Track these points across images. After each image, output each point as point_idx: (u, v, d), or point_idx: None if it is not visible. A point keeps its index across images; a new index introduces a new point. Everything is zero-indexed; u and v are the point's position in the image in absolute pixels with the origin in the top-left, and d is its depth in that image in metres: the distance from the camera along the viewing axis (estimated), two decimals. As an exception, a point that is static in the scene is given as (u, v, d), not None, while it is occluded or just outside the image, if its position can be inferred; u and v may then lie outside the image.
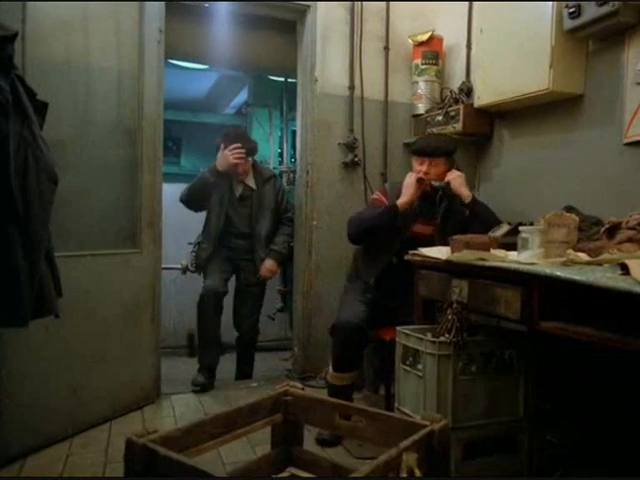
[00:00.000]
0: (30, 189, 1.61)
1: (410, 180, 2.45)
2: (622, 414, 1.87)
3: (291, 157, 5.31)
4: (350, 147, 3.20)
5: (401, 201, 2.41)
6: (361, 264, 2.58)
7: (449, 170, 2.50)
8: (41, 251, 1.67)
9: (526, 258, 1.72)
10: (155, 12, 2.68)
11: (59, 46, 2.28)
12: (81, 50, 2.37)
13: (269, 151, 5.54)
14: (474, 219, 2.45)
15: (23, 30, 1.99)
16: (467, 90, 2.93)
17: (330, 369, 2.47)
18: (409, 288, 2.25)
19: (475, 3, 2.96)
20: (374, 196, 2.70)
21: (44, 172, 1.65)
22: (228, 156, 3.09)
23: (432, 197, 2.53)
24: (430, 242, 2.36)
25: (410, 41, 3.21)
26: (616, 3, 1.97)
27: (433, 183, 2.48)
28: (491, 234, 2.18)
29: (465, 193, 2.45)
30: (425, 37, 3.12)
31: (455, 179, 2.47)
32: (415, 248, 2.20)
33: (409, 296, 2.27)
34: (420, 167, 2.51)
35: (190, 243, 3.31)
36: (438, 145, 2.53)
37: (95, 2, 2.40)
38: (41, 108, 1.74)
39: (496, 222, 2.35)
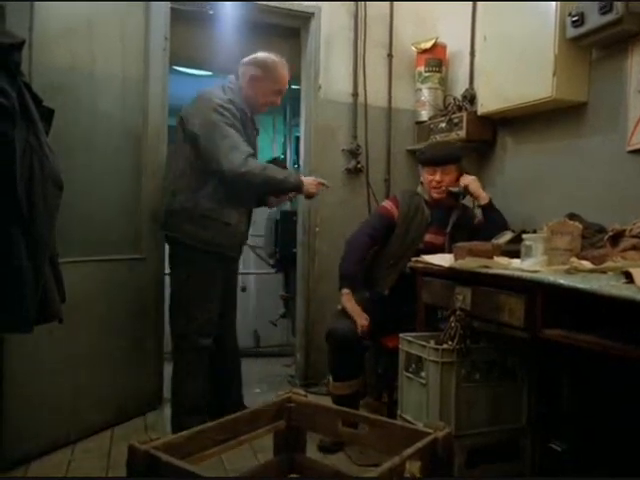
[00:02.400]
0: (35, 193, 1.61)
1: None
2: (624, 421, 1.86)
3: (294, 163, 5.32)
4: (353, 153, 3.21)
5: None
6: (373, 275, 2.56)
7: (460, 176, 2.52)
8: (45, 254, 1.68)
9: (529, 266, 1.73)
10: (160, 20, 2.70)
11: (65, 53, 2.29)
12: (87, 57, 2.39)
13: (272, 156, 5.55)
14: (486, 222, 2.47)
15: (30, 38, 2.01)
16: (470, 97, 2.94)
17: (330, 379, 2.47)
18: (417, 297, 2.25)
19: (478, 11, 2.97)
20: (384, 204, 2.66)
21: (49, 178, 1.66)
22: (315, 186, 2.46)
23: (446, 205, 2.54)
24: (441, 252, 2.35)
25: (413, 48, 3.23)
26: (620, 11, 1.98)
27: (451, 189, 2.49)
28: (494, 241, 2.18)
29: (482, 195, 2.49)
30: (428, 44, 3.14)
31: (472, 182, 2.49)
32: None
33: (415, 305, 2.27)
34: (432, 177, 2.51)
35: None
36: (447, 153, 2.55)
37: (101, 10, 2.42)
38: (47, 115, 1.76)
39: (508, 229, 2.36)
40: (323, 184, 2.50)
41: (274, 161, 2.54)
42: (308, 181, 2.44)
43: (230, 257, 2.44)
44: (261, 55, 2.41)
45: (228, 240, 2.35)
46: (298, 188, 2.40)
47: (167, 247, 2.49)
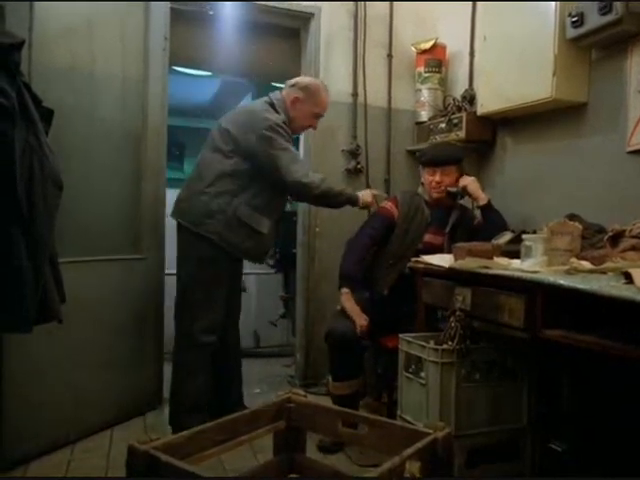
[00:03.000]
0: (35, 193, 1.62)
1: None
2: (624, 421, 1.86)
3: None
4: (353, 154, 3.21)
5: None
6: (373, 275, 2.55)
7: (460, 177, 2.53)
8: (45, 254, 1.68)
9: (529, 266, 1.72)
10: (160, 19, 2.70)
11: (65, 53, 2.29)
12: (86, 57, 2.39)
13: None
14: (485, 223, 2.48)
15: (30, 38, 2.01)
16: (470, 98, 2.94)
17: (330, 379, 2.47)
18: (416, 297, 2.25)
19: (478, 11, 2.97)
20: (384, 204, 2.65)
21: (49, 178, 1.66)
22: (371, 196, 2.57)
23: (446, 205, 2.55)
24: (440, 252, 2.35)
25: (413, 49, 3.23)
26: (619, 12, 1.98)
27: (449, 189, 2.50)
28: (494, 242, 2.18)
29: (481, 196, 2.50)
30: (428, 45, 3.14)
31: (471, 183, 2.50)
32: None
33: (415, 305, 2.27)
34: (432, 177, 2.52)
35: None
36: (448, 154, 2.56)
37: (101, 10, 2.42)
38: (47, 115, 1.76)
39: (507, 229, 2.37)
40: (377, 195, 2.62)
41: None
42: (364, 193, 2.55)
43: (239, 258, 2.49)
44: (305, 79, 2.55)
45: (256, 247, 2.42)
46: (353, 201, 2.50)
47: (177, 245, 2.48)
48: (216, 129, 2.44)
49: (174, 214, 2.49)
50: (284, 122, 2.38)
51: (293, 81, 2.50)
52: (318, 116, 2.55)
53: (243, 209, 2.34)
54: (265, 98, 2.47)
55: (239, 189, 2.34)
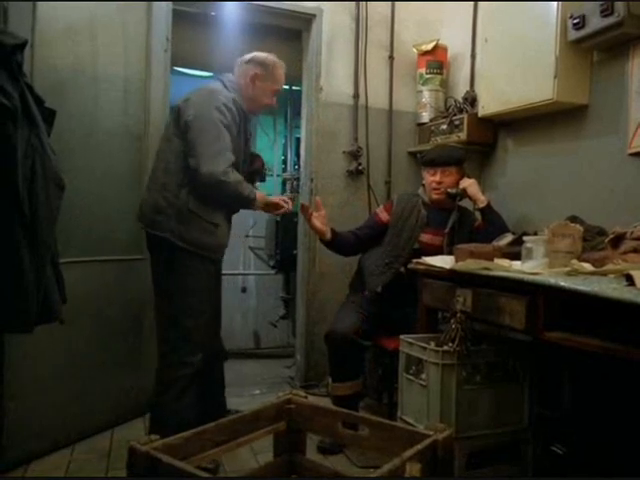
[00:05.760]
0: (37, 195, 1.62)
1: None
2: (626, 424, 1.86)
3: (294, 164, 5.33)
4: (354, 155, 3.21)
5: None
6: (368, 273, 2.57)
7: (461, 179, 2.53)
8: (47, 254, 1.69)
9: (530, 268, 1.72)
10: (162, 20, 2.71)
11: (67, 54, 2.30)
12: (89, 58, 2.39)
13: (273, 158, 5.57)
14: (485, 225, 2.49)
15: (32, 38, 2.01)
16: (471, 99, 2.94)
17: (330, 380, 2.48)
18: (415, 297, 2.25)
19: (480, 13, 2.97)
20: (377, 210, 2.73)
21: (51, 179, 1.66)
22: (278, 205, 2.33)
23: (444, 207, 2.55)
24: (439, 253, 2.36)
25: (414, 50, 3.23)
26: (621, 14, 1.98)
27: (449, 191, 2.50)
28: (495, 243, 2.18)
29: (481, 198, 2.50)
30: (430, 46, 3.14)
31: (471, 185, 2.50)
32: None
33: (415, 306, 2.27)
34: (432, 178, 2.53)
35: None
36: (449, 155, 2.57)
37: (103, 10, 2.42)
38: (49, 115, 1.76)
39: (507, 231, 2.37)
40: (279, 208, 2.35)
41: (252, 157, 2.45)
42: (262, 202, 2.26)
43: (216, 260, 2.26)
44: (260, 54, 2.33)
45: (215, 242, 2.18)
46: (250, 207, 2.26)
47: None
48: (170, 115, 2.26)
49: (138, 219, 2.26)
50: (235, 101, 2.18)
51: (248, 57, 2.31)
52: (277, 93, 2.37)
53: (192, 201, 2.09)
54: (216, 80, 2.31)
55: (185, 179, 2.09)
